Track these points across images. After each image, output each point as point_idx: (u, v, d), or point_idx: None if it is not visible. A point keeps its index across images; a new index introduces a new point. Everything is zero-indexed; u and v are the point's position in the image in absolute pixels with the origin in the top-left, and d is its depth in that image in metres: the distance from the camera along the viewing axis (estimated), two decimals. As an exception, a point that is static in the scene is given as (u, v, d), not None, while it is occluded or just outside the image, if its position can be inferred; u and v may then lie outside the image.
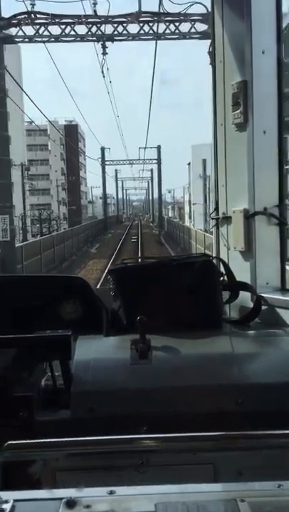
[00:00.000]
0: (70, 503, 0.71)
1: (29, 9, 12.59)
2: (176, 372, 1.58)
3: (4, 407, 1.44)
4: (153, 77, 37.20)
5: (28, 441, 0.76)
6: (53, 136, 75.42)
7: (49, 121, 35.58)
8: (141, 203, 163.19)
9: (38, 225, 49.88)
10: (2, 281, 2.15)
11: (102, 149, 56.89)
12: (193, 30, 14.55)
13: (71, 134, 70.63)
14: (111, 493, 0.73)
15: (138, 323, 1.60)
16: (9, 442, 0.75)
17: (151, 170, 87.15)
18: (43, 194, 71.40)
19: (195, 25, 14.30)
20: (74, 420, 1.44)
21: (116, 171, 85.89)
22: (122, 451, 0.81)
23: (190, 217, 61.67)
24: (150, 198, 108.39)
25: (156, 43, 14.94)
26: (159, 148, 64.08)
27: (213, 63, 2.25)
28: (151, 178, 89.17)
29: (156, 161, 64.69)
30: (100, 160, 61.53)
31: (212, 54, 2.28)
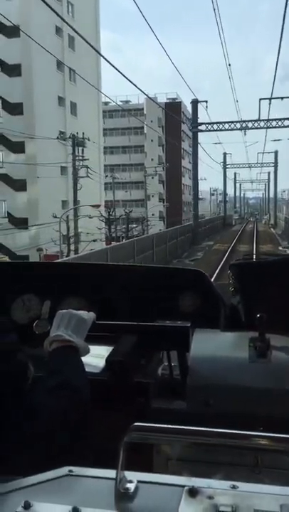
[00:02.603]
0: (193, 491, 0.79)
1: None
2: None
3: (123, 392, 1.71)
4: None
5: (153, 424, 0.83)
6: (150, 118, 73.55)
7: (145, 94, 31.11)
8: (258, 200, 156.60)
9: (119, 228, 43.78)
10: (125, 270, 2.53)
11: (194, 103, 33.32)
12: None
13: (174, 114, 67.07)
14: (234, 487, 0.80)
15: (258, 320, 1.75)
16: (135, 424, 0.81)
17: (276, 152, 74.84)
18: (136, 188, 68.93)
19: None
20: (189, 412, 1.65)
21: (224, 154, 74.60)
22: (238, 447, 0.90)
23: None
24: (269, 193, 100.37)
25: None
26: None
27: None
28: (275, 163, 76.13)
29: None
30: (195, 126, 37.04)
31: None
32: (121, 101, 73.51)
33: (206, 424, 0.88)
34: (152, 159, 73.47)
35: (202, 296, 2.14)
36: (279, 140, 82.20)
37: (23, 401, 1.15)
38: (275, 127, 32.41)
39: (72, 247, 32.97)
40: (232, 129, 33.38)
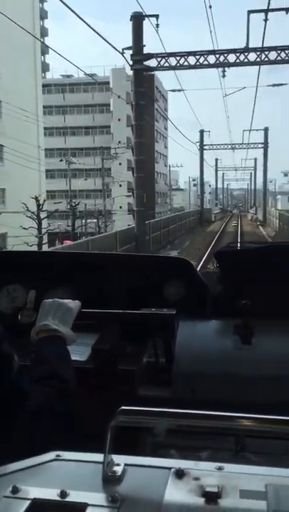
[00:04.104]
0: (180, 473, 0.81)
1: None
2: (281, 361, 1.78)
3: (108, 380, 1.77)
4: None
5: (139, 408, 0.86)
6: (118, 92, 62.53)
7: (113, 46, 20.17)
8: (243, 191, 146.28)
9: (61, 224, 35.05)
10: (110, 258, 2.60)
11: (136, 18, 21.35)
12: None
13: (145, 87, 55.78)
14: (220, 468, 0.83)
15: (242, 308, 1.83)
16: (122, 408, 0.84)
17: (265, 129, 61.69)
18: (99, 175, 58.08)
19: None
20: (174, 399, 1.72)
21: (202, 132, 60.40)
22: (222, 430, 0.95)
23: None
24: (256, 183, 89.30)
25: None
26: None
27: None
28: (265, 142, 62.06)
29: None
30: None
31: None
32: (85, 74, 62.58)
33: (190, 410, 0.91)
34: (119, 142, 62.46)
35: (187, 285, 2.18)
36: (265, 128, 66.71)
37: (8, 391, 1.17)
38: (274, 62, 19.86)
39: None
40: (202, 67, 20.68)
